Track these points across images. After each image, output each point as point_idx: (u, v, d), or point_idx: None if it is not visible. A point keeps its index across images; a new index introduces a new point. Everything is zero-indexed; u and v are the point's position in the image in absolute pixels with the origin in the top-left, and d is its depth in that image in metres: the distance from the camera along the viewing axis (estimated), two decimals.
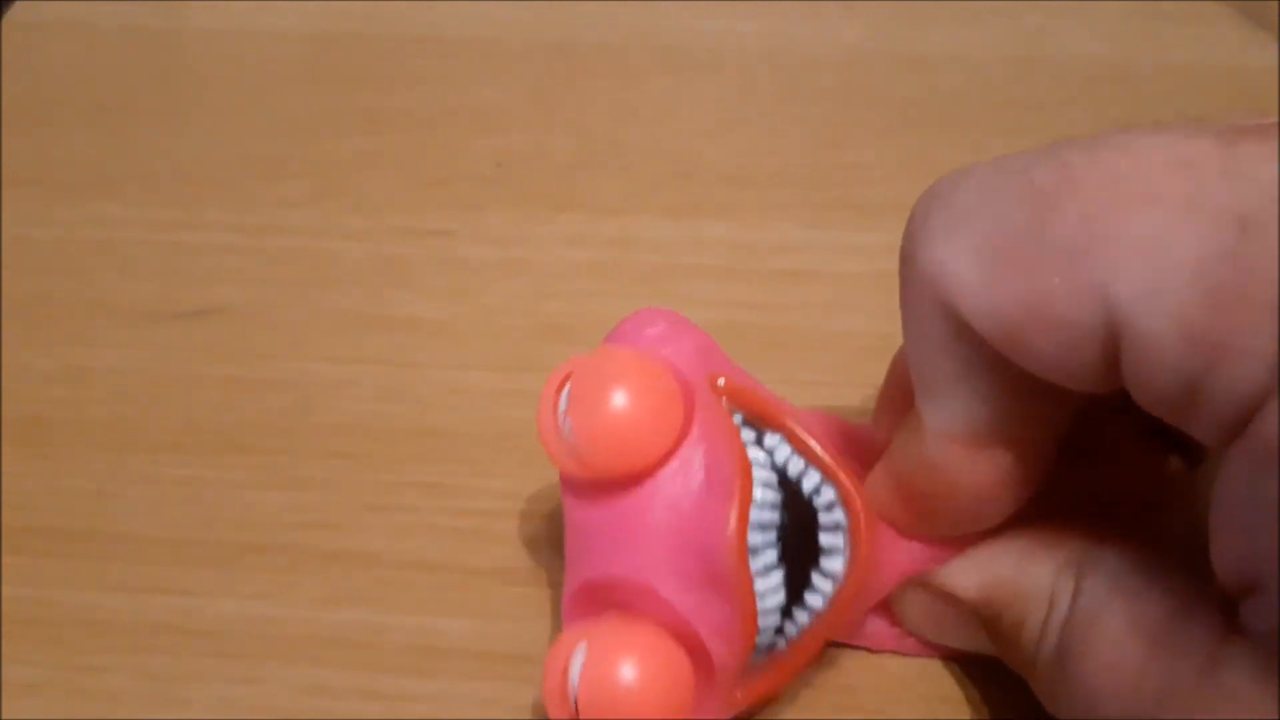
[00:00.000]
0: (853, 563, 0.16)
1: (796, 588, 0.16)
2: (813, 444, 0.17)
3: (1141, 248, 0.13)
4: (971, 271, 0.14)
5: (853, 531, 0.16)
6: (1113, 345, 0.13)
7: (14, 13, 0.32)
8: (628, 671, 0.15)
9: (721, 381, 0.17)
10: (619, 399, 0.16)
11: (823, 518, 0.17)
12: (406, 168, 0.28)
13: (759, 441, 0.17)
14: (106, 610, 0.20)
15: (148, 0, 0.32)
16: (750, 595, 0.16)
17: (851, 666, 0.19)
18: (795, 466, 0.17)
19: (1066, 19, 0.31)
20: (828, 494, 0.17)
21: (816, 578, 0.16)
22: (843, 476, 0.16)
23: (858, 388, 0.22)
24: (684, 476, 0.16)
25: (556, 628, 0.19)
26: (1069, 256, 0.13)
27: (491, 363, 0.23)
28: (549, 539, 0.21)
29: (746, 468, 0.16)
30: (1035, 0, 0.32)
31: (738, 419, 0.17)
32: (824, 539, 0.17)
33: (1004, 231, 0.14)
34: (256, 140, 0.28)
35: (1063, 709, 0.16)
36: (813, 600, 0.16)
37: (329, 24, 0.32)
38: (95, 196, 0.27)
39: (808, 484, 0.17)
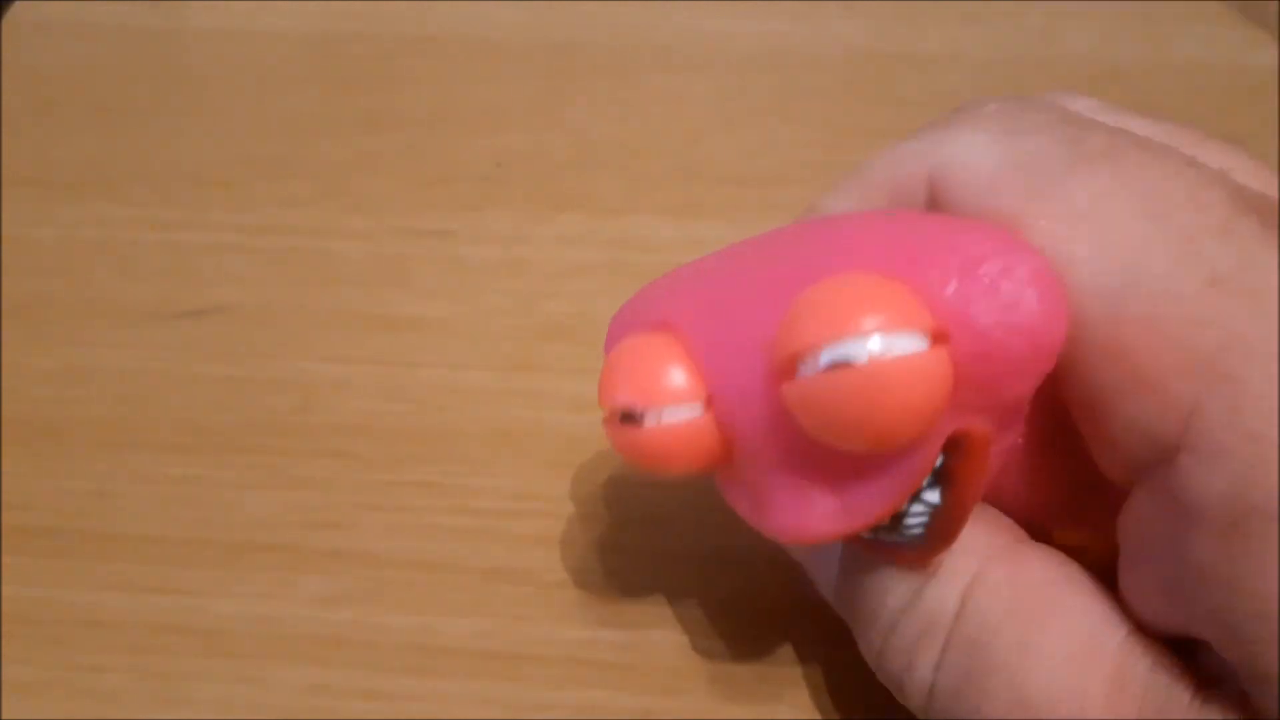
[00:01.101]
0: None
1: None
2: None
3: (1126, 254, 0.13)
4: (993, 182, 0.14)
5: None
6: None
7: (14, 12, 0.32)
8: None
9: None
10: None
11: None
12: (406, 168, 0.28)
13: None
14: (107, 610, 0.20)
15: (148, 0, 0.32)
16: None
17: (849, 666, 0.19)
18: None
19: (1067, 19, 0.31)
20: None
21: None
22: None
23: None
24: None
25: (556, 626, 0.19)
26: (1058, 227, 0.14)
27: (491, 362, 0.23)
28: (548, 538, 0.21)
29: None
30: (1036, 0, 0.32)
31: None
32: None
33: (1041, 159, 0.14)
34: (257, 140, 0.28)
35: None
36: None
37: (329, 24, 0.32)
38: (95, 196, 0.27)
39: None
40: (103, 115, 0.29)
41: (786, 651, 0.19)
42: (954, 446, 0.14)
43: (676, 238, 0.26)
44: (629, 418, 0.15)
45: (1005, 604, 0.15)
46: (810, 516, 0.14)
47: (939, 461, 0.14)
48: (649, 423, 0.15)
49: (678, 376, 0.15)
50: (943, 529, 0.15)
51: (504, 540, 0.21)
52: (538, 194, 0.27)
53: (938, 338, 0.13)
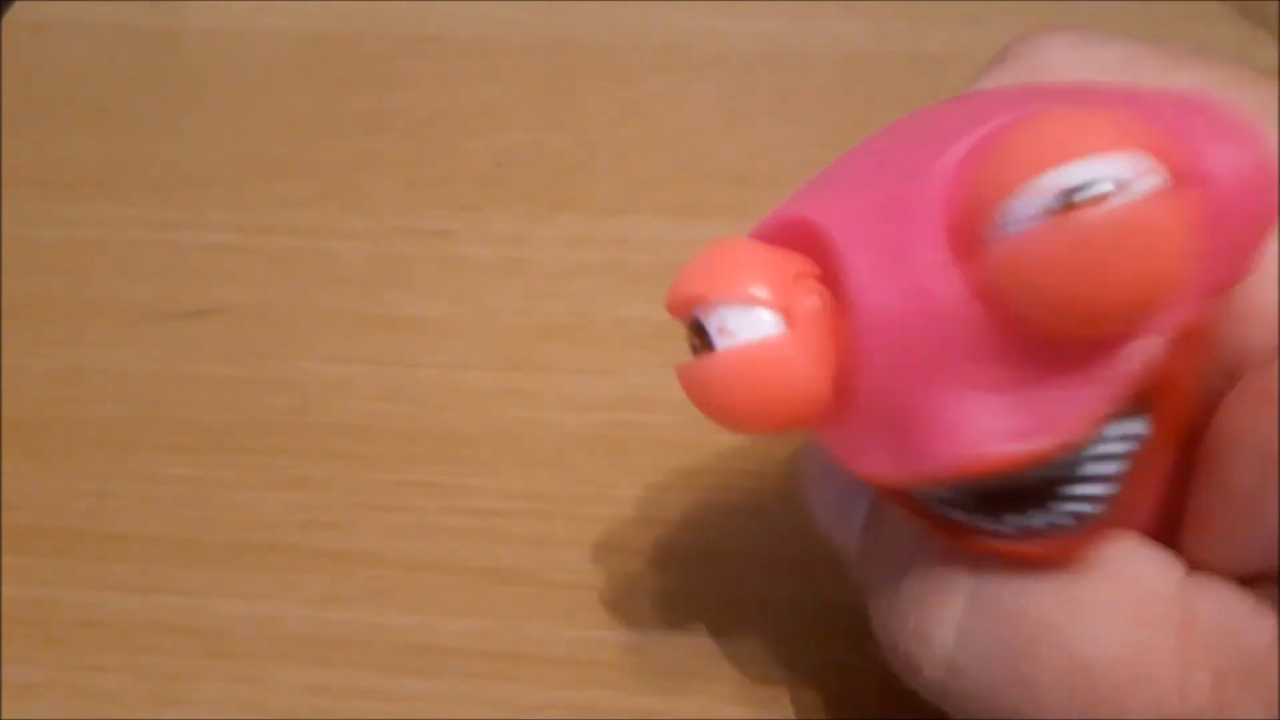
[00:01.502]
0: None
1: None
2: None
3: None
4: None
5: None
6: None
7: (14, 12, 0.32)
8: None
9: None
10: None
11: None
12: (406, 168, 0.28)
13: None
14: (106, 610, 0.20)
15: (148, 0, 0.32)
16: None
17: (850, 667, 0.19)
18: None
19: (1067, 19, 0.31)
20: None
21: None
22: None
23: None
24: None
25: (555, 626, 0.19)
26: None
27: (491, 362, 0.23)
28: (548, 538, 0.21)
29: None
30: (1036, 0, 0.32)
31: None
32: None
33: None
34: (256, 140, 0.28)
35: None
36: None
37: (329, 24, 0.32)
38: (95, 196, 0.27)
39: None
40: (102, 115, 0.29)
41: (786, 651, 0.19)
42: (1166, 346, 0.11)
43: (676, 238, 0.26)
44: (697, 330, 0.13)
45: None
46: (989, 435, 0.11)
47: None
48: (712, 333, 0.12)
49: (754, 279, 0.12)
50: (1139, 475, 0.12)
51: (504, 540, 0.21)
52: (538, 194, 0.27)
53: (1185, 177, 0.10)
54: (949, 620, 0.14)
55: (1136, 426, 0.12)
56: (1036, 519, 0.12)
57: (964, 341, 0.11)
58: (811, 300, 0.12)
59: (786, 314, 0.12)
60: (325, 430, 0.22)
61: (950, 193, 0.11)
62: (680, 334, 0.16)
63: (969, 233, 0.11)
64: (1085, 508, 0.12)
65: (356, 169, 0.28)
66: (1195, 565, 0.13)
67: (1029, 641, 0.13)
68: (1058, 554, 0.13)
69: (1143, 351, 0.11)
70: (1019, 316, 0.11)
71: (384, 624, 0.19)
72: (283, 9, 0.32)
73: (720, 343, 0.12)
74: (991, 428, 0.11)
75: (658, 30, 0.31)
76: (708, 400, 0.13)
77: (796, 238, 0.13)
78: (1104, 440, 0.12)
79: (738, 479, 0.21)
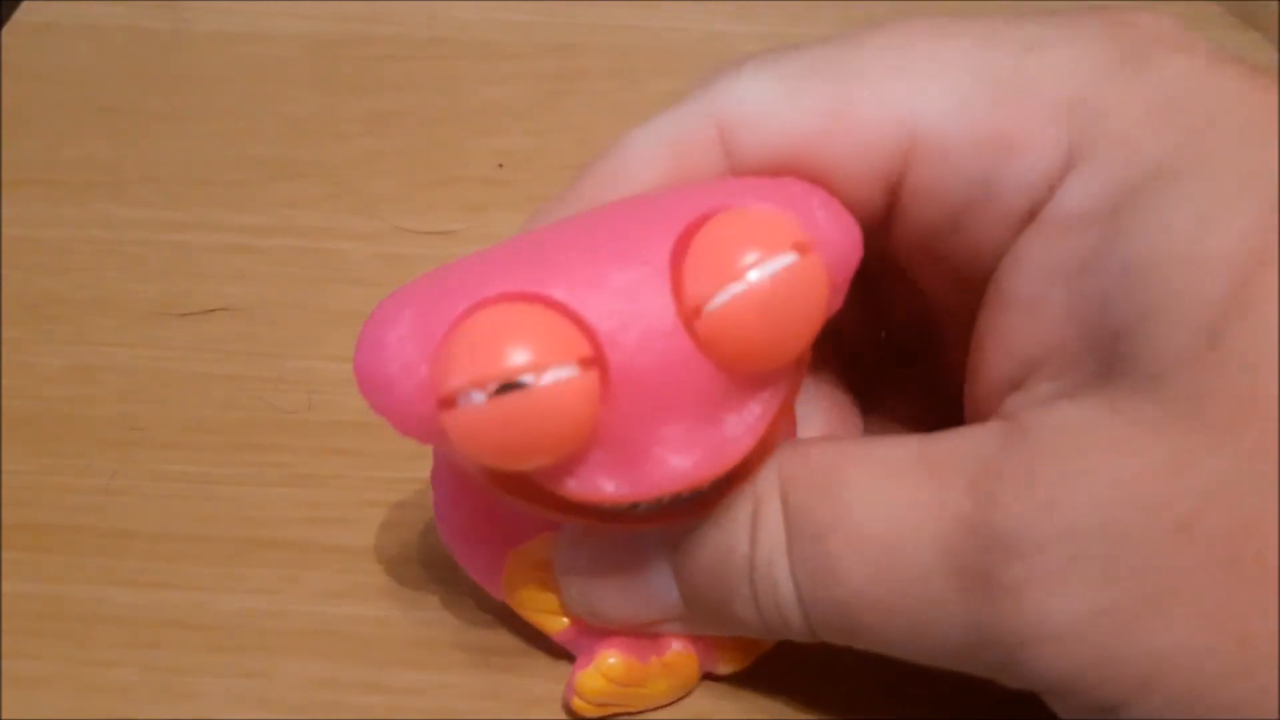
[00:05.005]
0: None
1: None
2: None
3: (943, 70, 0.16)
4: (777, 93, 0.16)
5: None
6: (901, 162, 0.16)
7: (20, 14, 0.32)
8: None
9: None
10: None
11: None
12: (410, 168, 0.28)
13: None
14: (113, 606, 0.20)
15: (153, 1, 0.33)
16: None
17: (850, 666, 0.19)
18: None
19: None
20: None
21: None
22: None
23: None
24: None
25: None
26: (877, 76, 0.16)
27: None
28: None
29: None
30: (1034, 0, 0.32)
31: None
32: None
33: (814, 59, 0.16)
34: (261, 141, 0.29)
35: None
36: None
37: (333, 26, 0.32)
38: (101, 197, 0.27)
39: None
40: (109, 116, 0.29)
41: (787, 651, 0.19)
42: None
43: None
44: (509, 387, 0.14)
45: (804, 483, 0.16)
46: (721, 441, 0.15)
47: None
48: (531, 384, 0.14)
49: (565, 334, 0.14)
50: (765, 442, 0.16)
51: None
52: (539, 194, 0.27)
53: (806, 247, 0.15)
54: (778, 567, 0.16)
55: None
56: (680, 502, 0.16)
57: (688, 381, 0.15)
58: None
59: (586, 361, 0.15)
60: (330, 428, 0.22)
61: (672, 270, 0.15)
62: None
63: (694, 310, 0.15)
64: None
65: (361, 170, 0.28)
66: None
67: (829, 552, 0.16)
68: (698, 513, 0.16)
69: (784, 390, 0.16)
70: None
71: (388, 618, 0.20)
72: (288, 11, 0.32)
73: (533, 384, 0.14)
74: (721, 438, 0.15)
75: (658, 32, 0.32)
76: (511, 435, 0.14)
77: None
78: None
79: None
